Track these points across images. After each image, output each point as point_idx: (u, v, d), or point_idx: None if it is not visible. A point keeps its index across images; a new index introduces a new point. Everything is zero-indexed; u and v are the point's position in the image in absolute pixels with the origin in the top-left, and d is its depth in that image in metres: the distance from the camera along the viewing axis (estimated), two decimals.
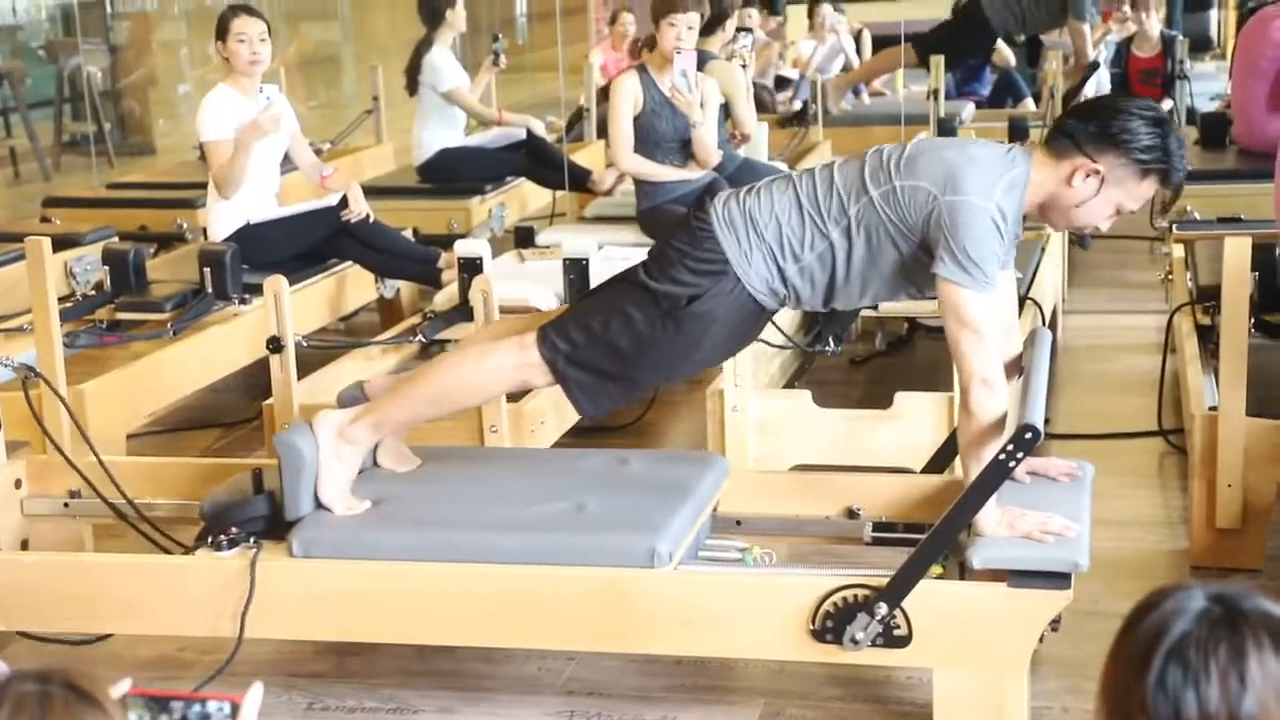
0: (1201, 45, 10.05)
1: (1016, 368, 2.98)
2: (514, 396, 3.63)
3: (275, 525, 2.93)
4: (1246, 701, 1.19)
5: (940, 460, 3.23)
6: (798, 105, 8.67)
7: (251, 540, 2.90)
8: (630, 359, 2.86)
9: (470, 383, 2.94)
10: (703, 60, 5.39)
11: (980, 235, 2.68)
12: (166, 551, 3.13)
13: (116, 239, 4.88)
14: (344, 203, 4.91)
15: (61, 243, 4.54)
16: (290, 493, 2.91)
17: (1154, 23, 8.44)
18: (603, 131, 7.06)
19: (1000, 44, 8.97)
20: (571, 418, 4.03)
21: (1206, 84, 8.60)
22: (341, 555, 2.85)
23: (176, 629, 2.96)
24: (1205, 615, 1.23)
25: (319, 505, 2.93)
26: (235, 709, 1.41)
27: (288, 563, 2.86)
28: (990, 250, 2.69)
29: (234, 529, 2.91)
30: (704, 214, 2.86)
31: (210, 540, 2.91)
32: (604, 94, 6.64)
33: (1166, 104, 7.46)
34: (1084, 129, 2.73)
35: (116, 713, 1.26)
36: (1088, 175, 2.74)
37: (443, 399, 2.97)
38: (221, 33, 4.82)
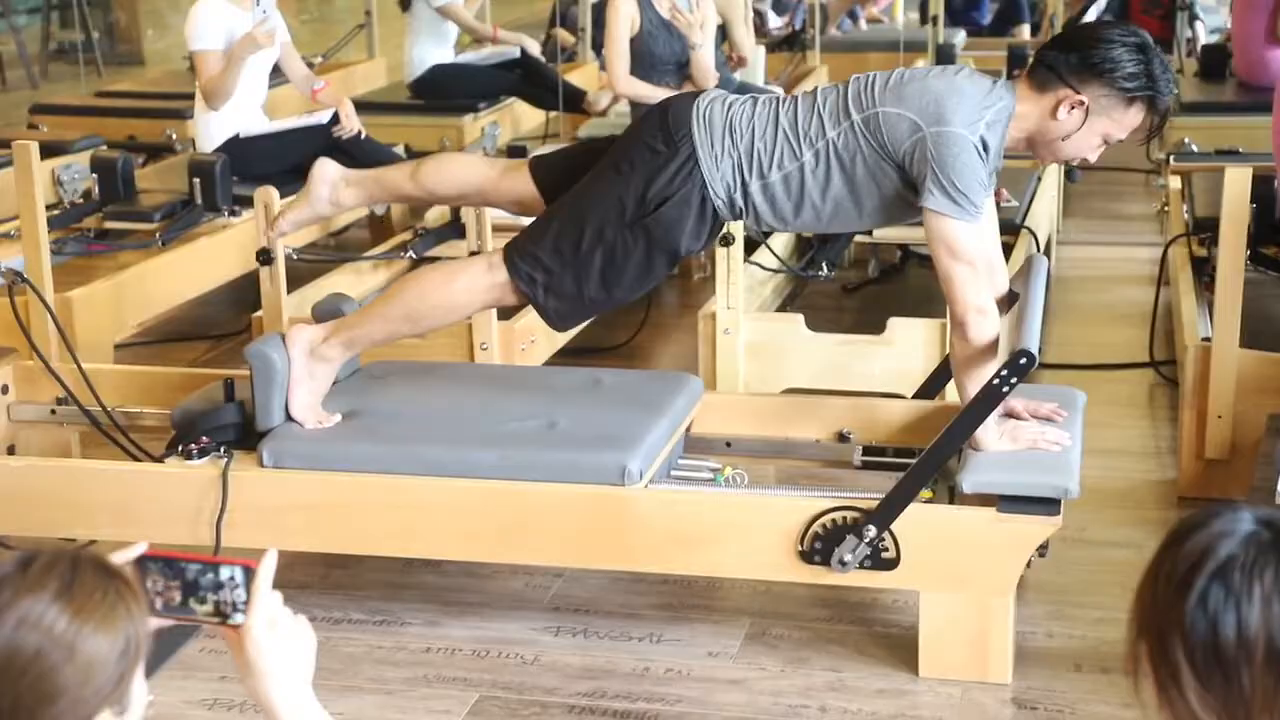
0: None
1: (1008, 302, 2.97)
2: (504, 314, 3.62)
3: (246, 435, 2.93)
4: None
5: (931, 386, 3.22)
6: (796, 27, 8.59)
7: (222, 450, 2.90)
8: (607, 279, 2.82)
9: (443, 302, 2.91)
10: None
11: (966, 165, 2.65)
12: (144, 459, 3.11)
13: (105, 147, 4.82)
14: (335, 119, 4.86)
15: (49, 150, 4.48)
16: (262, 403, 2.90)
17: None
18: (598, 52, 7.00)
19: None
20: (562, 337, 4.02)
21: (1208, 16, 8.52)
22: (312, 466, 2.85)
23: (154, 535, 2.93)
24: (1254, 538, 1.22)
25: (291, 418, 2.92)
26: (250, 573, 1.41)
27: (258, 473, 2.86)
28: (976, 180, 2.66)
29: (205, 438, 2.90)
30: (683, 111, 2.81)
31: (180, 449, 2.91)
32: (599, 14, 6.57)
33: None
34: (1065, 60, 2.70)
35: (139, 589, 1.28)
36: (1072, 107, 2.71)
37: (417, 317, 2.94)
38: None
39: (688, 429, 3.13)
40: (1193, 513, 1.28)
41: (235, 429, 2.93)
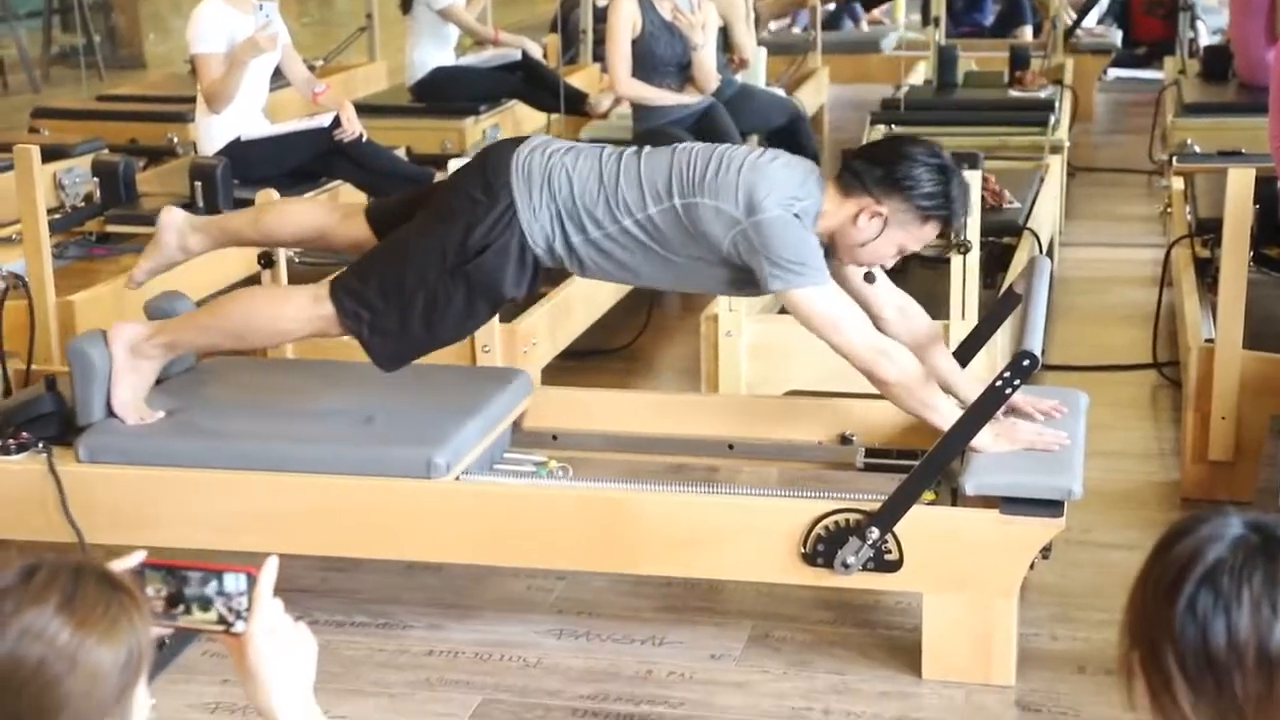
0: None
1: (939, 337, 2.99)
2: (506, 316, 3.61)
3: (67, 431, 2.95)
4: (1277, 631, 1.17)
5: None
6: (796, 31, 8.59)
7: (40, 445, 2.92)
8: (430, 322, 2.86)
9: (267, 326, 2.97)
10: None
11: (793, 239, 2.71)
12: None
13: (106, 151, 4.82)
14: (337, 122, 4.86)
15: (51, 154, 4.48)
16: (82, 399, 2.94)
17: None
18: (599, 54, 6.99)
19: None
20: (564, 340, 4.01)
21: (1210, 18, 8.52)
22: (128, 461, 2.88)
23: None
24: (1241, 542, 1.21)
25: (111, 413, 2.95)
26: (252, 580, 1.41)
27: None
28: (809, 246, 2.73)
29: (23, 434, 2.93)
30: (502, 160, 2.84)
31: None
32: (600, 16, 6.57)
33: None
34: (871, 171, 2.77)
35: (142, 599, 1.27)
36: (872, 216, 2.77)
37: (239, 334, 2.99)
38: None
39: (516, 422, 3.17)
40: (1181, 518, 1.27)
41: (56, 424, 2.96)
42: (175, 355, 3.06)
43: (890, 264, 2.90)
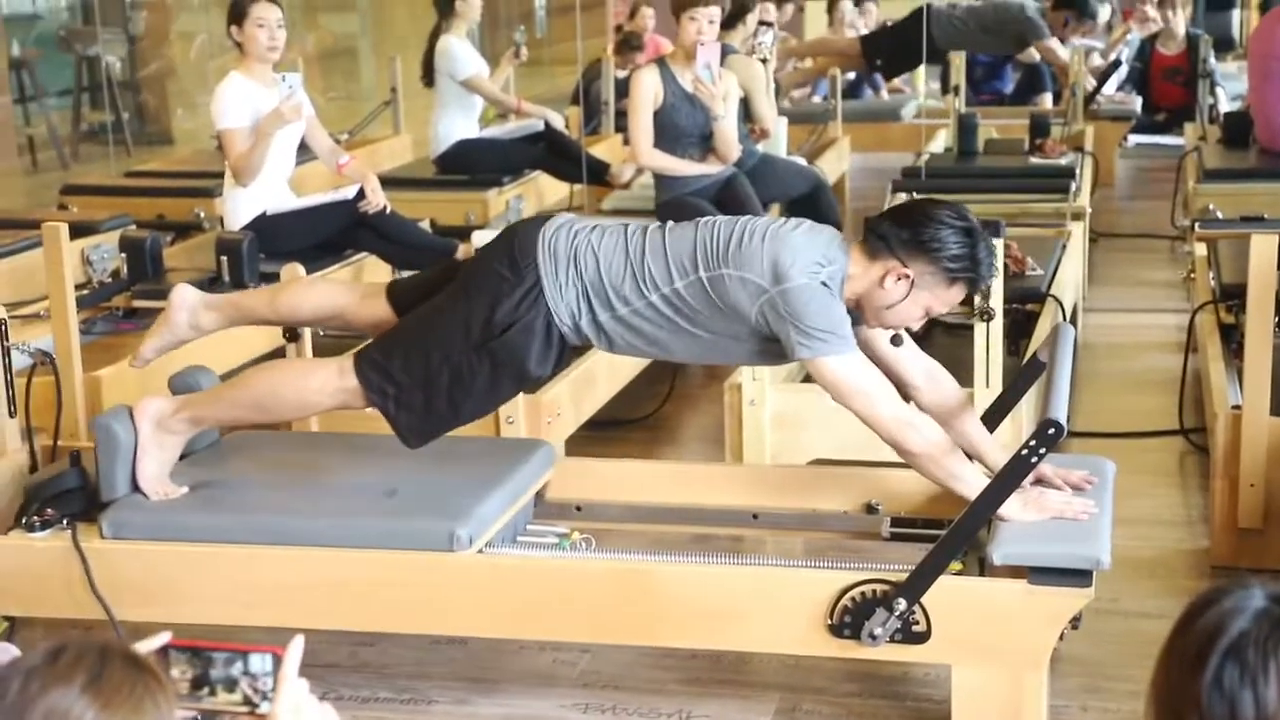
0: (1224, 45, 9.99)
1: (966, 403, 2.99)
2: (530, 387, 3.62)
3: (91, 506, 2.96)
4: None
5: None
6: (817, 100, 8.65)
7: (64, 521, 2.92)
8: (454, 397, 2.87)
9: (292, 399, 2.97)
10: (723, 55, 5.37)
11: (821, 308, 2.72)
12: None
13: (134, 227, 4.86)
14: (361, 194, 4.90)
15: (79, 230, 4.52)
16: (106, 474, 2.94)
17: (1180, 21, 8.40)
18: (621, 125, 7.05)
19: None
20: (589, 410, 4.01)
21: (1229, 84, 8.55)
22: (150, 537, 2.89)
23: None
24: (1265, 615, 1.20)
25: (136, 489, 2.95)
26: (278, 661, 1.40)
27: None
28: (836, 314, 2.74)
29: (49, 510, 2.93)
30: (529, 238, 2.86)
31: (24, 521, 2.94)
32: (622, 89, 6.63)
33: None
34: (897, 234, 2.77)
35: (167, 682, 1.28)
36: (899, 278, 2.78)
37: (265, 408, 3.00)
38: (238, 17, 4.78)
39: (540, 494, 3.16)
40: (1204, 591, 1.26)
41: (80, 500, 2.96)
42: (200, 430, 3.08)
43: (916, 326, 2.90)
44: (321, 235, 4.88)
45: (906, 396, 2.91)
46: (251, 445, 3.27)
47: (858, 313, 2.85)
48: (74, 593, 2.87)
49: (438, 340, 2.86)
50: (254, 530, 2.87)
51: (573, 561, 2.88)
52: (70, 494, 2.98)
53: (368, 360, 2.91)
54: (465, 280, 2.91)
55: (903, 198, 5.50)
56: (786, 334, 2.73)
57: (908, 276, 2.77)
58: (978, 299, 2.99)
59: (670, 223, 2.90)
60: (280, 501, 2.94)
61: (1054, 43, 8.29)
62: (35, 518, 2.93)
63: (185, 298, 3.15)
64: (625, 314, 2.83)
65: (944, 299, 2.81)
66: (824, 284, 2.74)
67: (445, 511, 2.84)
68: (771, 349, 2.83)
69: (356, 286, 3.21)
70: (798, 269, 2.73)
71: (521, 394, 3.57)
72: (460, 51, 6.39)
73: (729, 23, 6.06)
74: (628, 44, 8.22)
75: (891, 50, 8.40)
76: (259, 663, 1.40)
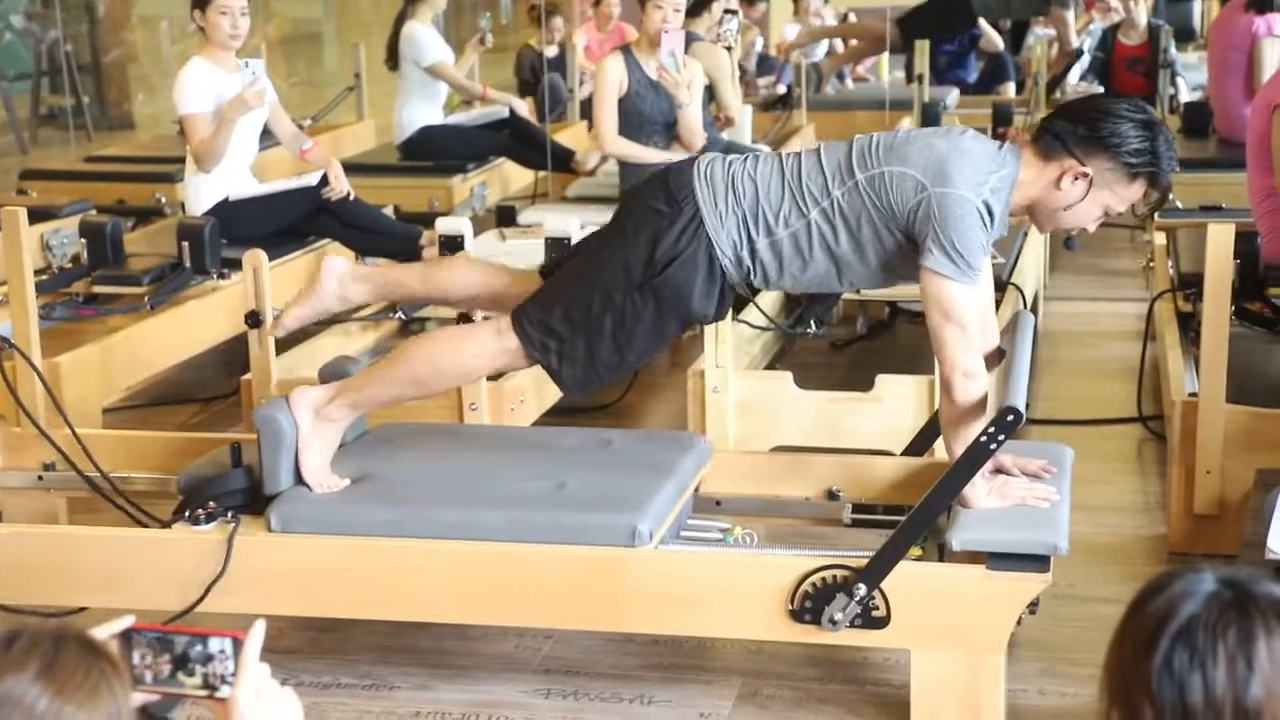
0: (1185, 36, 10.05)
1: (997, 358, 2.98)
2: (493, 374, 3.62)
3: (253, 500, 2.91)
4: (1253, 686, 1.17)
5: (920, 443, 3.22)
6: (781, 89, 8.66)
7: (229, 515, 2.88)
8: (619, 342, 2.82)
9: (451, 368, 2.91)
10: (688, 42, 5.38)
11: (968, 227, 2.66)
12: (142, 525, 3.10)
13: (94, 212, 4.83)
14: (324, 181, 4.88)
15: (38, 215, 4.50)
16: (269, 467, 2.89)
17: (1142, 11, 8.45)
18: (586, 112, 7.04)
19: (987, 27, 8.98)
20: (552, 397, 4.01)
21: (1189, 74, 8.61)
22: (320, 530, 2.83)
23: (153, 603, 2.93)
24: (1215, 598, 1.21)
25: (299, 481, 2.91)
26: (238, 645, 1.40)
27: (266, 537, 2.84)
28: (977, 242, 2.67)
29: (212, 504, 2.89)
30: (684, 173, 2.83)
31: (188, 514, 2.89)
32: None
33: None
34: (1073, 131, 2.71)
35: (123, 666, 1.28)
36: (1076, 178, 2.71)
37: (424, 380, 2.93)
38: (201, 2, 4.76)
39: (696, 489, 3.12)
40: (1156, 575, 1.28)
41: (243, 494, 2.92)
42: (359, 415, 3.00)
43: (1093, 228, 2.82)
44: (284, 221, 4.86)
45: None
46: (403, 436, 3.18)
47: (1031, 218, 2.79)
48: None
49: (598, 285, 2.80)
50: (429, 524, 2.78)
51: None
52: (233, 491, 2.91)
53: (526, 316, 2.84)
54: (619, 223, 2.84)
55: None
56: (925, 235, 2.66)
57: (1086, 175, 2.70)
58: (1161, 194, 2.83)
59: (823, 143, 2.85)
60: (450, 495, 2.86)
61: (1070, 16, 8.37)
62: (200, 511, 2.87)
63: (335, 266, 3.05)
64: (784, 237, 2.76)
65: (1124, 196, 2.73)
66: (986, 201, 2.66)
67: (622, 506, 2.78)
68: (903, 261, 2.74)
69: (511, 269, 3.11)
70: (963, 177, 2.66)
71: (486, 381, 3.58)
72: (425, 38, 6.37)
73: (694, 10, 6.08)
74: (535, 16, 8.18)
75: (934, 19, 8.40)
76: (219, 646, 1.40)
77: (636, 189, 2.94)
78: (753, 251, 2.78)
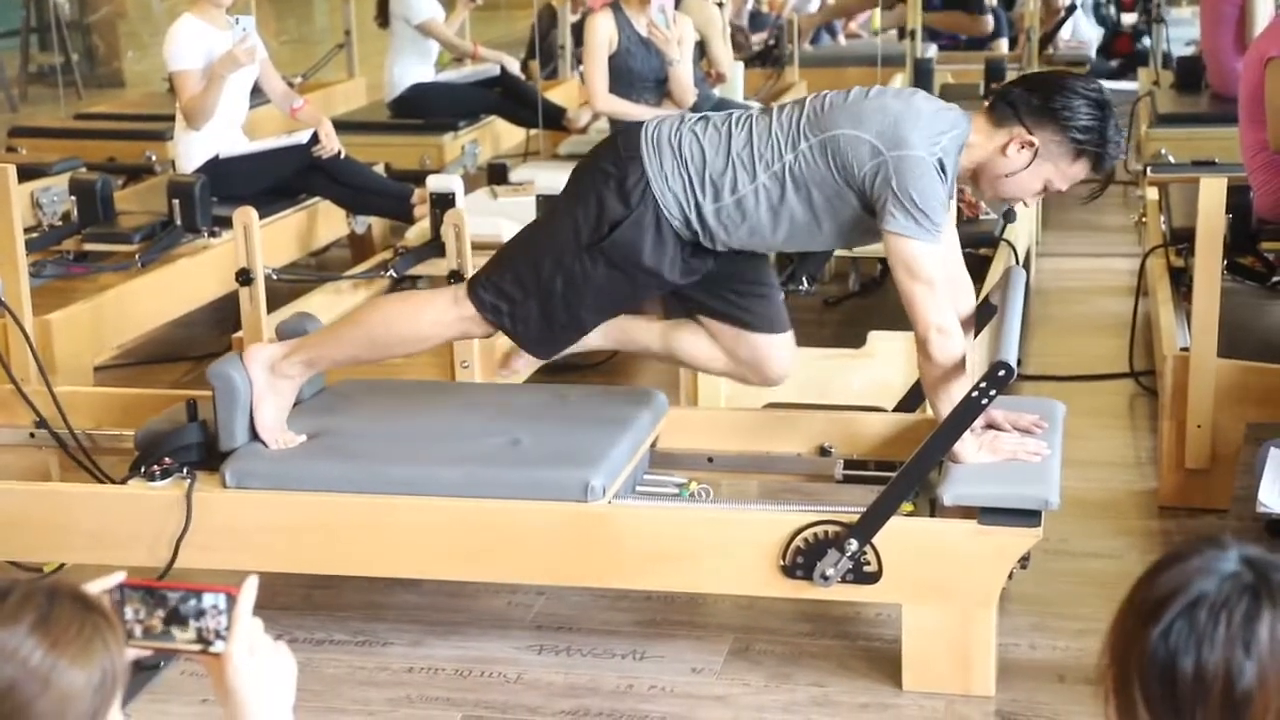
0: None
1: (984, 316, 2.98)
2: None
3: (209, 456, 2.92)
4: (1246, 673, 1.15)
5: (912, 399, 3.23)
6: (757, 42, 8.62)
7: (184, 471, 2.89)
8: (569, 302, 2.83)
9: (409, 332, 2.93)
10: None
11: (927, 185, 2.66)
12: (108, 482, 3.10)
13: (84, 169, 4.81)
14: (315, 139, 4.86)
15: (28, 173, 4.48)
16: (225, 424, 2.89)
17: None
18: (579, 69, 7.00)
19: None
20: None
21: (1182, 30, 8.57)
22: (275, 486, 2.85)
23: (118, 559, 2.91)
24: (1231, 578, 1.18)
25: (254, 437, 2.92)
26: (231, 600, 1.40)
27: (220, 493, 2.85)
28: (937, 198, 2.68)
29: (167, 459, 2.89)
30: (632, 134, 2.83)
31: (143, 470, 2.90)
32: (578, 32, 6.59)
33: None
34: (1027, 100, 2.72)
35: (117, 621, 1.27)
36: (1022, 146, 2.73)
37: (380, 344, 2.95)
38: None
39: (653, 444, 3.13)
40: (1180, 543, 1.25)
41: (198, 449, 2.93)
42: (314, 373, 3.01)
43: (1032, 202, 2.83)
44: (274, 179, 4.84)
45: None
46: (360, 392, 3.18)
47: (973, 183, 2.81)
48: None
49: (548, 248, 2.81)
50: (384, 480, 2.80)
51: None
52: (188, 446, 2.91)
53: (479, 282, 2.86)
54: (572, 185, 2.86)
55: None
56: (884, 198, 2.66)
57: (1032, 144, 2.71)
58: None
59: (775, 105, 2.85)
60: (405, 451, 2.87)
61: None
62: (155, 467, 2.88)
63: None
64: (729, 202, 2.75)
65: (1067, 173, 2.74)
66: (939, 159, 2.67)
67: (575, 461, 2.79)
68: (858, 225, 2.75)
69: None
70: (919, 138, 2.66)
71: (476, 340, 3.57)
72: None
73: None
74: None
75: None
76: (212, 602, 1.40)
77: (592, 152, 2.95)
78: (700, 215, 2.78)
